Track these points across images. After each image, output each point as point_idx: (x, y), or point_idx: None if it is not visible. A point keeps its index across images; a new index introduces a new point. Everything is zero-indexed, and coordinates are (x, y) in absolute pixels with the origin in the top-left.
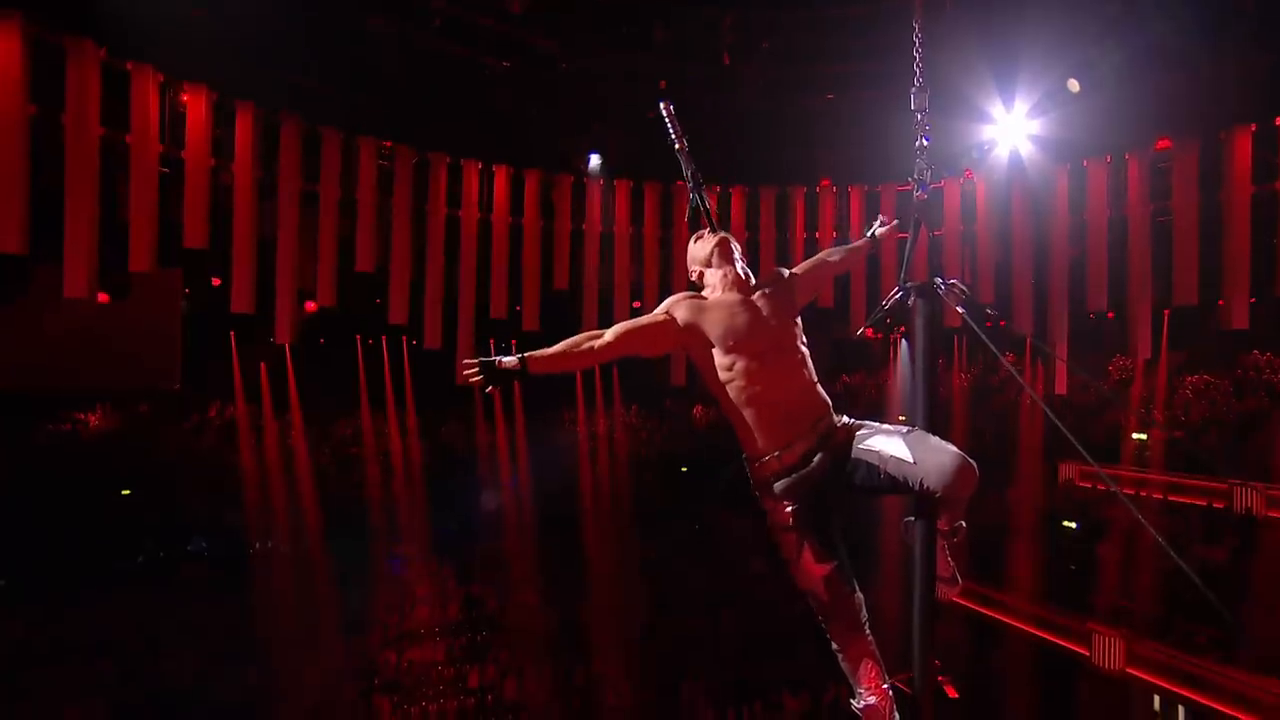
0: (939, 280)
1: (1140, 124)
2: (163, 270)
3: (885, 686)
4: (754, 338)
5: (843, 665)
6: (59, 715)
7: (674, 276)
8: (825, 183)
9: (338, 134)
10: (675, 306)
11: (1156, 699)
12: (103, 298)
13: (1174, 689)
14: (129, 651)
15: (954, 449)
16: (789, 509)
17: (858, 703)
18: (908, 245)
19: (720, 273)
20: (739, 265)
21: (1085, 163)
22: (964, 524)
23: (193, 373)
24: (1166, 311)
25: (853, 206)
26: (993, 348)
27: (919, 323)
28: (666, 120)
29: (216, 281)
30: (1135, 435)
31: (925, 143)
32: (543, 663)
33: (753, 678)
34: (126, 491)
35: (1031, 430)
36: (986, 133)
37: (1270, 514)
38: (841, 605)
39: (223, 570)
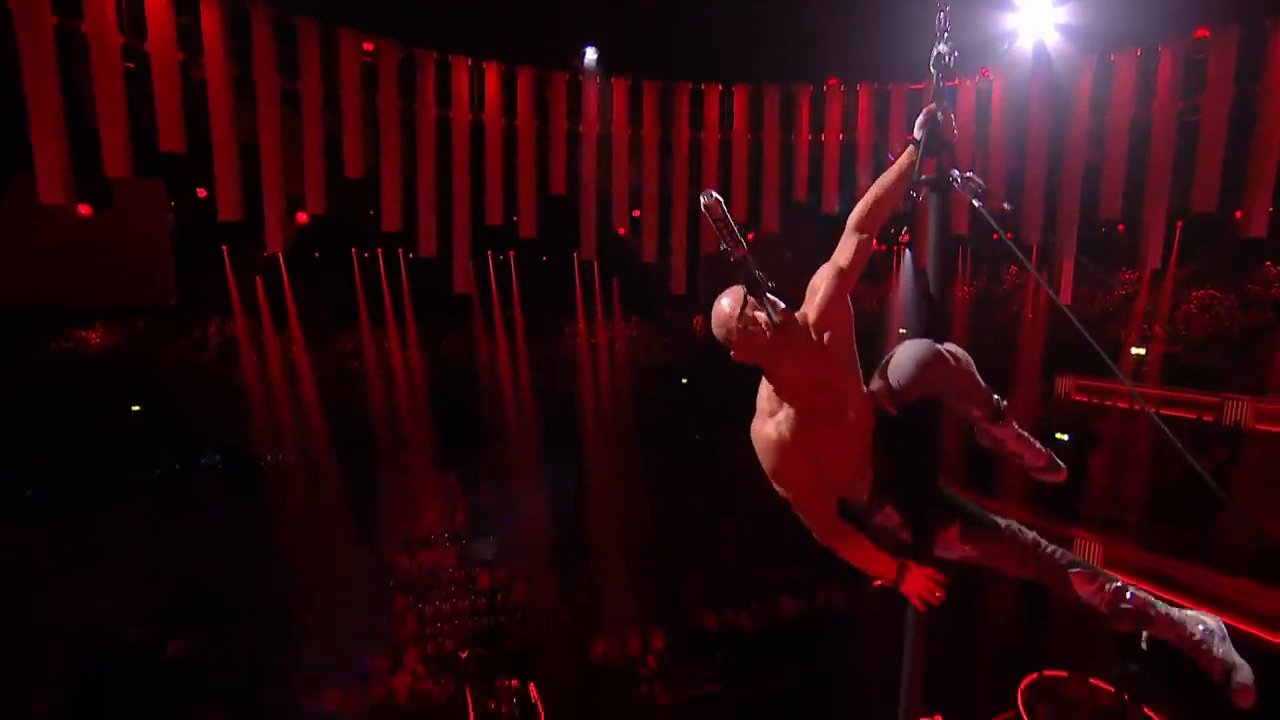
0: (954, 173)
1: (1178, 10)
2: (144, 180)
3: (1110, 587)
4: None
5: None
6: (98, 614)
7: (674, 180)
8: (833, 82)
9: (315, 26)
10: None
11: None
12: (85, 209)
13: (1147, 589)
14: (156, 557)
15: (908, 343)
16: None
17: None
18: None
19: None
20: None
21: (1113, 57)
22: (998, 400)
23: (188, 288)
24: (1180, 223)
25: (861, 107)
26: (1010, 243)
27: (932, 220)
28: (715, 223)
29: (203, 193)
30: (1134, 350)
31: (945, 31)
32: (548, 567)
33: (751, 582)
34: (136, 408)
35: (1031, 343)
36: (1009, 22)
37: (1259, 427)
38: (1000, 549)
39: (236, 483)
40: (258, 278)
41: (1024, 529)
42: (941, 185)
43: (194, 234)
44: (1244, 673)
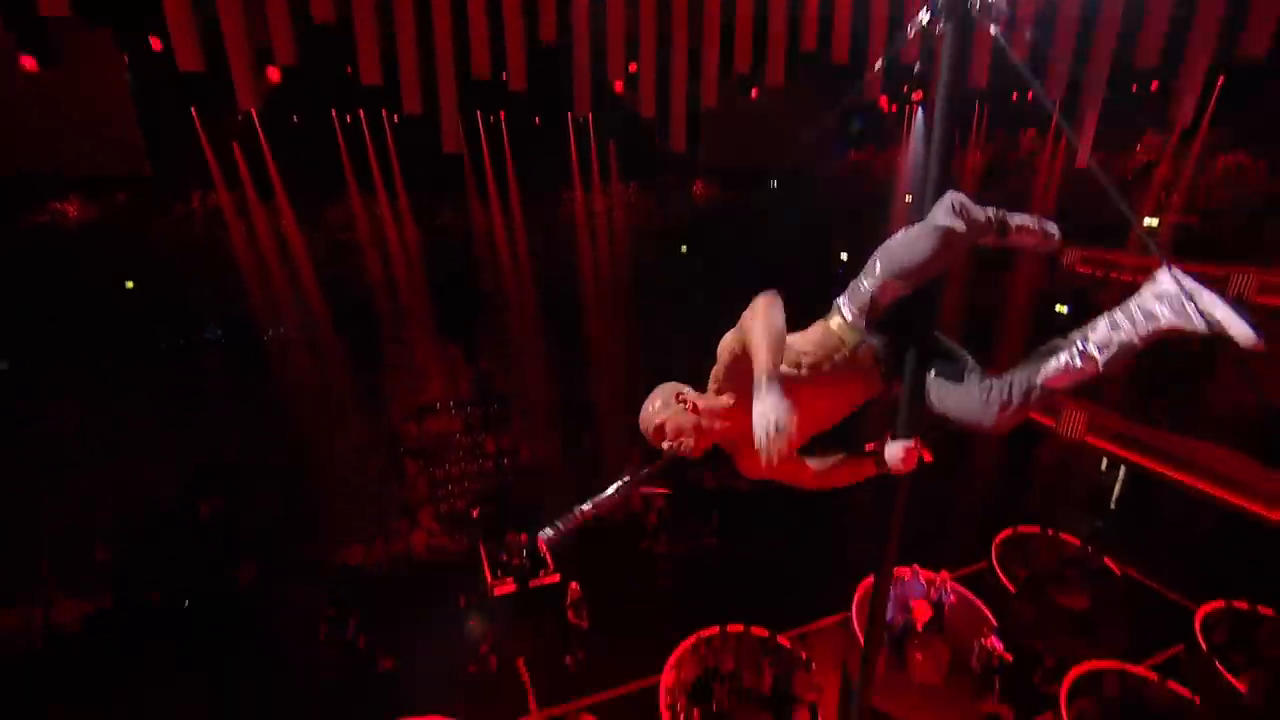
0: None
1: None
2: (92, 34)
3: (1079, 351)
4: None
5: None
6: (128, 481)
7: (672, 27)
8: None
9: None
10: None
11: (1104, 460)
12: (29, 62)
13: (1125, 455)
14: (174, 429)
15: (912, 231)
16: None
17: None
18: None
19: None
20: None
21: None
22: (999, 216)
23: (163, 158)
24: (1221, 78)
25: None
26: (1032, 81)
27: (945, 55)
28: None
29: (158, 44)
30: (1147, 220)
31: None
32: (552, 432)
33: None
34: (130, 284)
35: (1042, 213)
36: None
37: (1261, 299)
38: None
39: (240, 357)
40: (234, 144)
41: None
42: (958, 12)
43: (159, 97)
44: (1235, 326)
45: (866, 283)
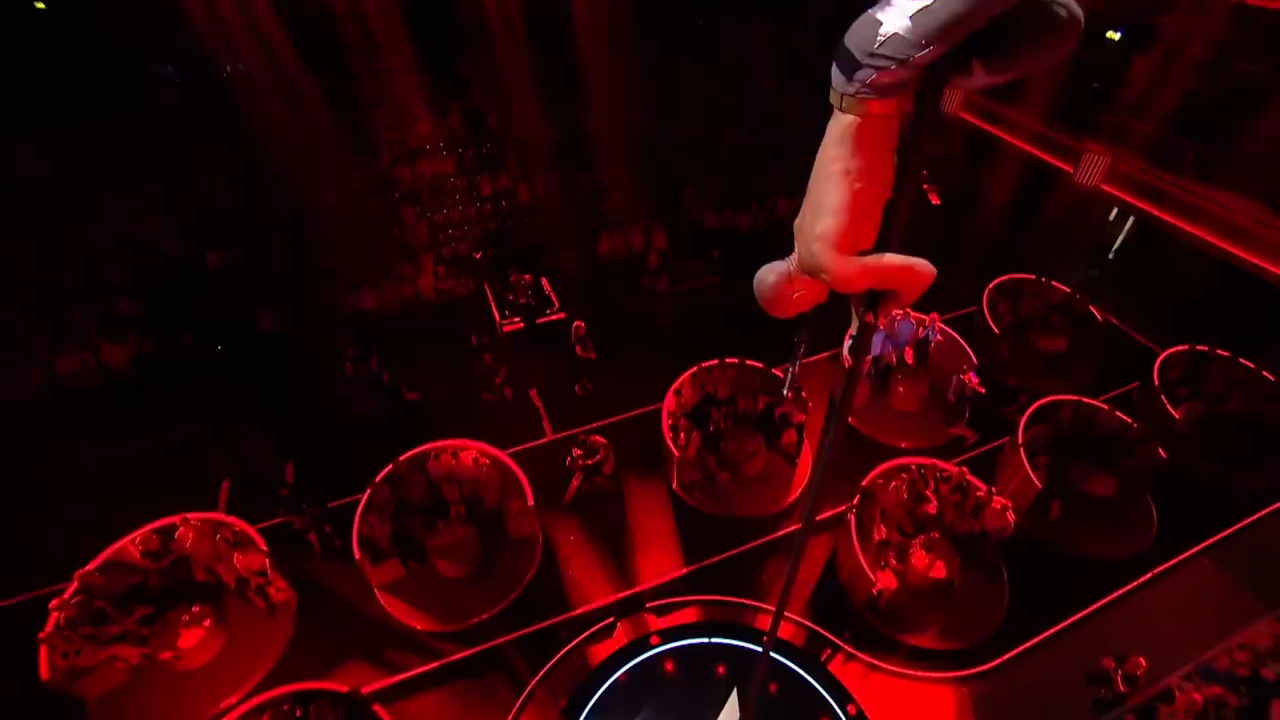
0: None
1: None
2: None
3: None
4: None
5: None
6: (128, 231)
7: None
8: None
9: None
10: None
11: (1114, 210)
12: None
13: (1138, 204)
14: (157, 178)
15: None
16: None
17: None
18: None
19: None
20: None
21: None
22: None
23: None
24: None
25: None
26: None
27: None
28: None
29: None
30: None
31: None
32: (550, 170)
33: (750, 183)
34: (40, 4)
35: None
36: None
37: None
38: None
39: (204, 98)
40: None
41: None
42: None
43: None
44: None
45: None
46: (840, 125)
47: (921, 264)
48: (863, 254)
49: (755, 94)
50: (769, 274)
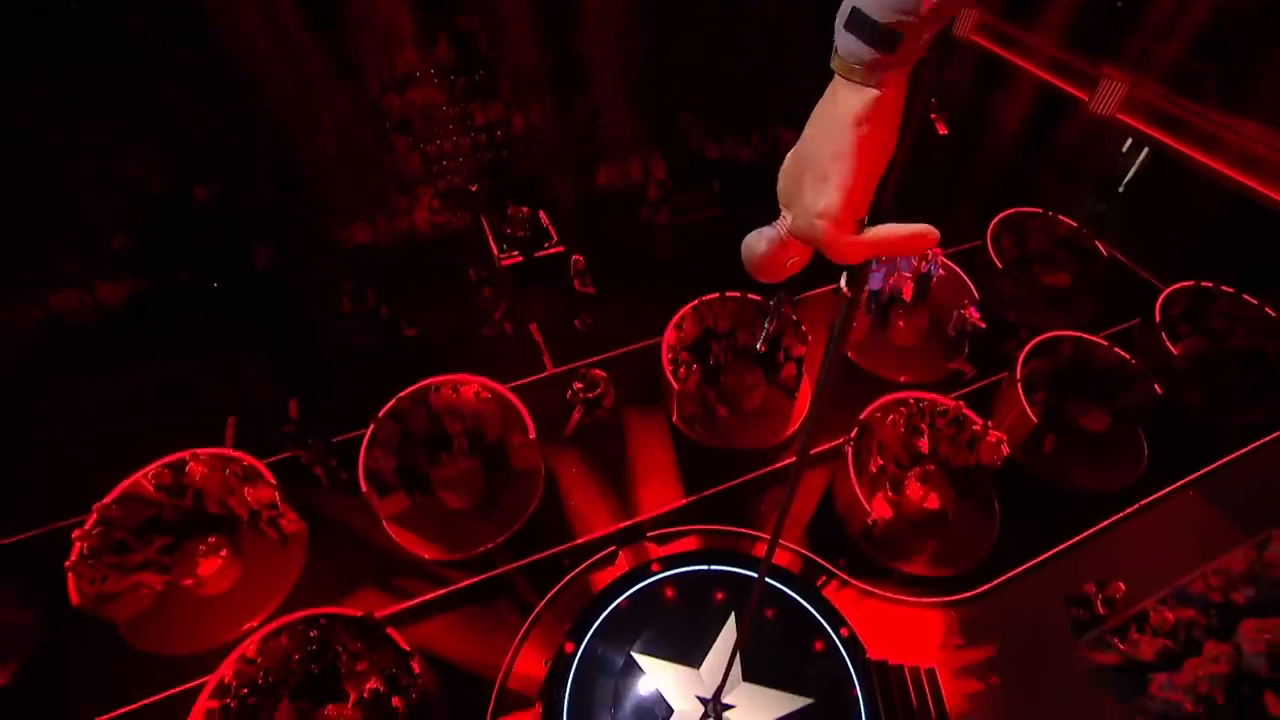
0: None
1: None
2: None
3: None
4: None
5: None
6: (112, 166)
7: None
8: None
9: None
10: None
11: (1128, 141)
12: None
13: (1153, 133)
14: (131, 110)
15: None
16: None
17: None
18: None
19: None
20: None
21: None
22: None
23: None
24: None
25: None
26: None
27: None
28: None
29: None
30: None
31: None
32: (544, 97)
33: (750, 112)
34: None
35: None
36: None
37: None
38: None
39: (180, 22)
40: None
41: None
42: None
43: None
44: None
45: None
46: (858, 99)
47: (924, 230)
48: (864, 226)
49: (756, 20)
50: (760, 241)
